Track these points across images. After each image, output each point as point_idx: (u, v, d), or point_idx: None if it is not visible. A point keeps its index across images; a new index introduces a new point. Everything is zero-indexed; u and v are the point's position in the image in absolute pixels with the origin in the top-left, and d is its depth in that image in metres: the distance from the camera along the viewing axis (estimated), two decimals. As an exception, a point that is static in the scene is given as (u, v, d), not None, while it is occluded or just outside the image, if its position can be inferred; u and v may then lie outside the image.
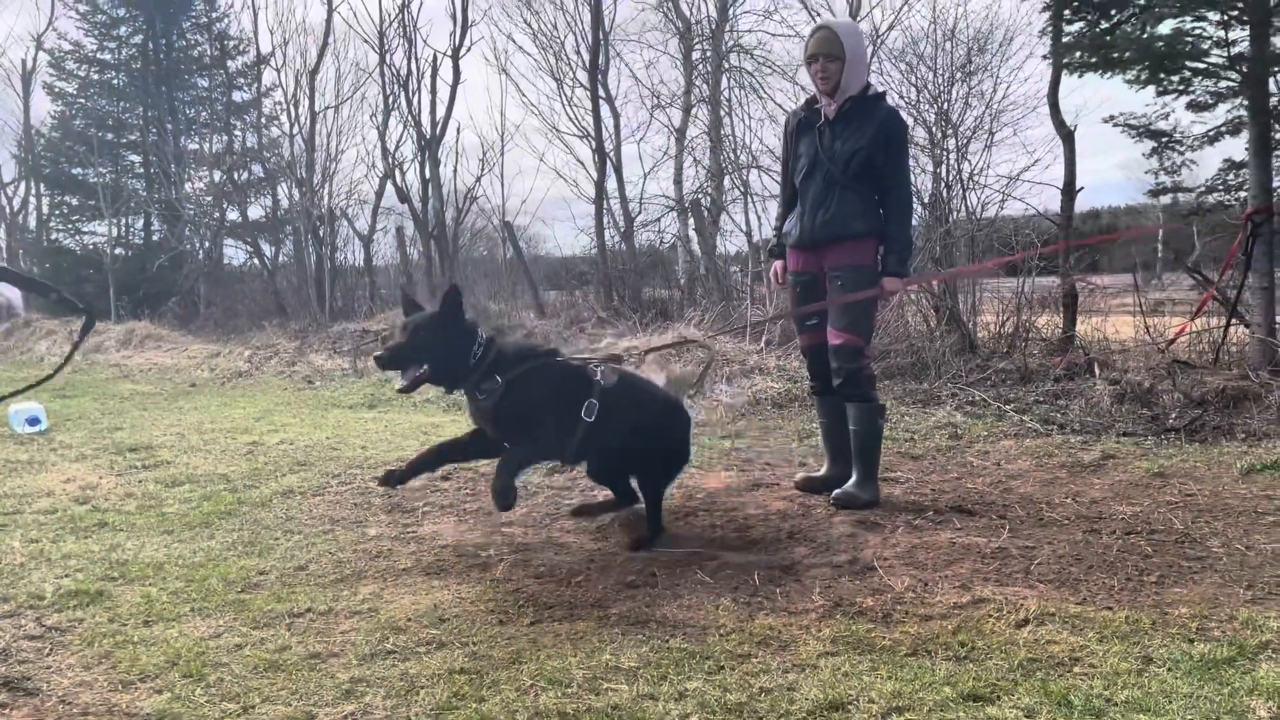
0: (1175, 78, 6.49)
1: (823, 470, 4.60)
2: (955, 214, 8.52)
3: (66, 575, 3.42)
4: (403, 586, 3.25)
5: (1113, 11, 6.76)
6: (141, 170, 20.81)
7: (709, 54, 12.24)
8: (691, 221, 12.08)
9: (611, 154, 12.47)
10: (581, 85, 12.97)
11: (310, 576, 3.39)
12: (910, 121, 8.43)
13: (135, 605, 3.11)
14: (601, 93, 12.53)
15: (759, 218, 11.68)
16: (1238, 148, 7.36)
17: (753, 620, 2.86)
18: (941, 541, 3.65)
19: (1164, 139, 7.40)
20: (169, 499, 4.62)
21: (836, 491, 4.23)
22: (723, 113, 12.00)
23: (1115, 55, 6.45)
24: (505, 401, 3.58)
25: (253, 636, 2.81)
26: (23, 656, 2.72)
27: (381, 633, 2.81)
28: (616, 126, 12.73)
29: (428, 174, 14.62)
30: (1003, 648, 2.61)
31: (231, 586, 3.28)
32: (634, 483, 4.02)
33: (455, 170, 17.01)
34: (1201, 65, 6.29)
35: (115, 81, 20.97)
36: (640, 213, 12.71)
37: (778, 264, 4.69)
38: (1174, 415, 6.02)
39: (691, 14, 12.55)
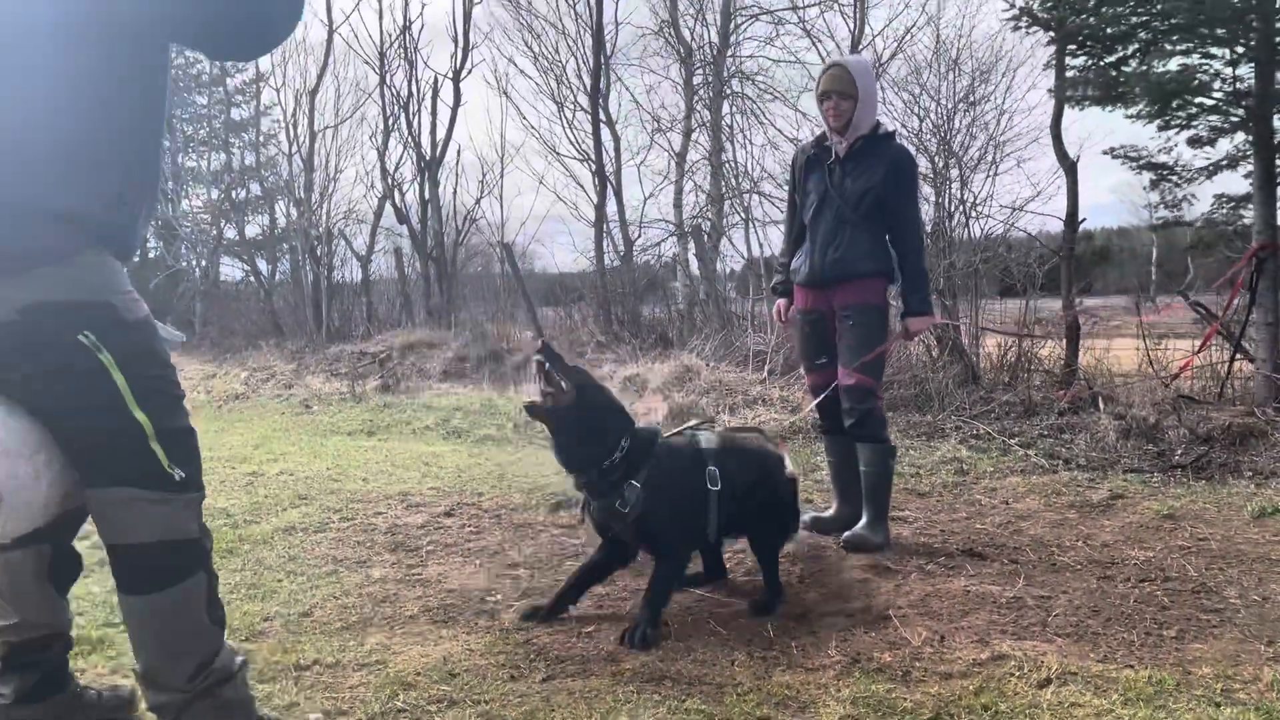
0: (1181, 114, 6.50)
1: (831, 510, 4.56)
2: (957, 245, 8.51)
3: (67, 620, 3.35)
4: (411, 636, 3.19)
5: (1117, 47, 6.78)
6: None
7: (710, 79, 12.27)
8: (692, 246, 12.07)
9: (612, 177, 12.48)
10: (582, 109, 13.01)
11: (316, 624, 3.32)
12: (913, 151, 8.44)
13: (137, 654, 3.04)
14: (602, 116, 12.56)
15: (760, 244, 11.70)
16: (1235, 181, 7.37)
17: (769, 678, 2.81)
18: (955, 589, 3.60)
19: (1164, 172, 7.40)
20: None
21: (847, 534, 4.19)
22: (724, 138, 12.01)
23: (1120, 91, 6.45)
24: (647, 509, 3.23)
25: (259, 691, 2.75)
26: (24, 713, 2.65)
27: (391, 689, 2.75)
28: (617, 149, 12.77)
29: (427, 195, 14.62)
30: (1027, 711, 2.56)
31: (236, 634, 3.21)
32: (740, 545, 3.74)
33: (455, 191, 16.97)
34: (1209, 102, 6.29)
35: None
36: (640, 236, 12.72)
37: (781, 302, 4.67)
38: (1180, 452, 5.99)
39: (693, 39, 12.59)
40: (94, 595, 3.63)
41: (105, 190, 2.09)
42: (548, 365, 3.27)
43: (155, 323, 2.23)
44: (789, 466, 3.73)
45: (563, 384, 3.25)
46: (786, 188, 5.25)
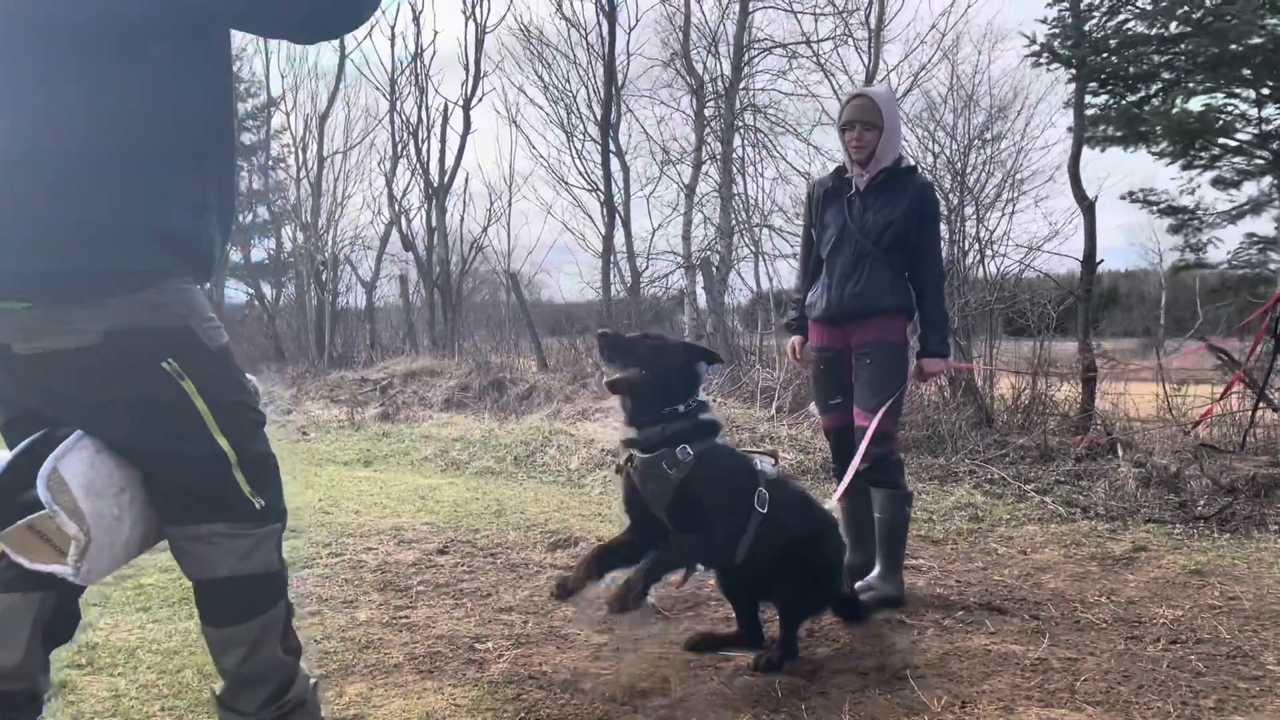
0: (1204, 154, 6.35)
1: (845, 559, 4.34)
2: (971, 284, 8.34)
3: (29, 660, 3.15)
4: (394, 687, 2.99)
5: (1139, 86, 6.65)
6: (146, 208, 20.65)
7: (722, 111, 12.18)
8: (700, 279, 11.92)
9: (620, 208, 12.36)
10: (592, 139, 12.91)
11: (293, 670, 3.11)
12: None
13: (101, 701, 2.85)
14: (612, 147, 12.46)
15: (770, 278, 11.54)
16: (1260, 226, 7.21)
17: (778, 744, 2.60)
18: (975, 648, 3.39)
19: (1185, 216, 7.25)
20: (149, 568, 4.35)
21: (860, 585, 3.97)
22: (734, 170, 11.90)
23: (1143, 130, 6.31)
24: (691, 480, 3.06)
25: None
26: (-32, 766, 2.45)
27: (368, 747, 2.54)
28: (626, 180, 12.67)
29: (434, 222, 14.52)
30: (1060, 792, 2.34)
31: (208, 679, 3.00)
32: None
33: (462, 218, 16.86)
34: (1233, 143, 6.14)
35: (124, 119, 20.90)
36: (647, 268, 12.58)
37: (795, 339, 4.47)
38: (1203, 502, 5.78)
39: (705, 71, 12.52)
40: (61, 633, 3.42)
41: (186, 197, 2.01)
42: (608, 352, 3.18)
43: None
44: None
45: (631, 365, 3.14)
46: (798, 222, 5.09)
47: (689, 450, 3.05)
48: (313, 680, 2.27)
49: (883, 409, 3.95)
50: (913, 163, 4.30)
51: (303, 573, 4.32)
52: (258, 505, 2.08)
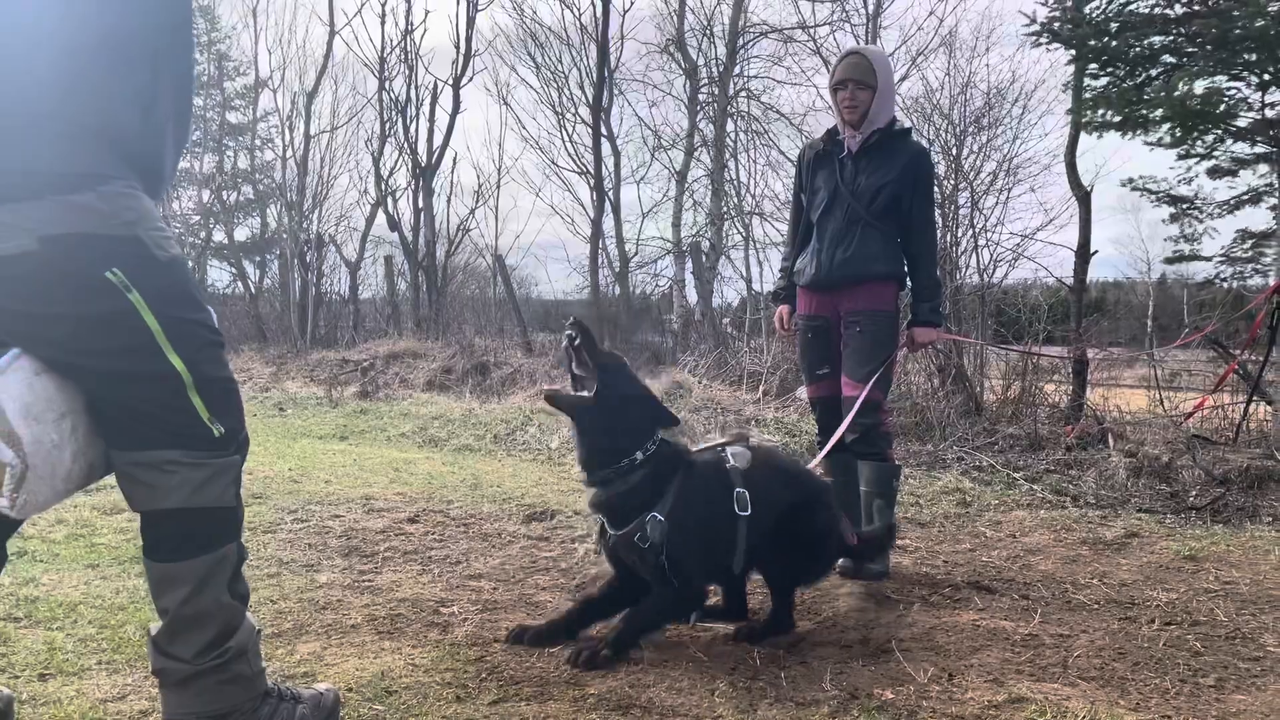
0: (1204, 140, 6.22)
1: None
2: (965, 270, 8.20)
3: (-37, 612, 2.97)
4: (349, 646, 2.81)
5: (1139, 69, 6.51)
6: (130, 186, 20.35)
7: (715, 96, 12.01)
8: (689, 265, 11.76)
9: (610, 193, 12.19)
10: (584, 121, 12.74)
11: (244, 628, 2.94)
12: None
13: (35, 654, 2.67)
14: (604, 130, 12.28)
15: (760, 265, 11.39)
16: (1257, 218, 7.09)
17: (755, 711, 2.44)
18: (963, 623, 3.23)
19: (1185, 205, 7.12)
20: (103, 528, 4.17)
21: (843, 560, 3.82)
22: (727, 155, 11.74)
23: (1142, 114, 6.18)
24: (669, 542, 2.83)
25: (152, 697, 2.37)
26: (-119, 714, 2.27)
27: (315, 705, 2.37)
28: (616, 165, 12.50)
29: (420, 203, 14.32)
30: (1054, 764, 2.19)
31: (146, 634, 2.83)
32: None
33: (449, 201, 16.66)
34: (1234, 128, 6.02)
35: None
36: (636, 254, 12.41)
37: (783, 308, 4.30)
38: (1195, 493, 5.65)
39: (699, 56, 12.36)
40: (1, 586, 3.25)
41: (132, 93, 1.83)
42: (579, 342, 2.90)
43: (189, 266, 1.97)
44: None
45: (591, 366, 2.89)
46: (790, 193, 4.90)
47: (660, 518, 2.83)
48: (258, 630, 2.11)
49: (873, 379, 3.81)
50: (908, 125, 4.13)
51: (264, 537, 4.14)
52: (216, 432, 1.93)
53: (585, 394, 2.89)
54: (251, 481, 5.39)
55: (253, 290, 16.55)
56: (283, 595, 3.30)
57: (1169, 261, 7.38)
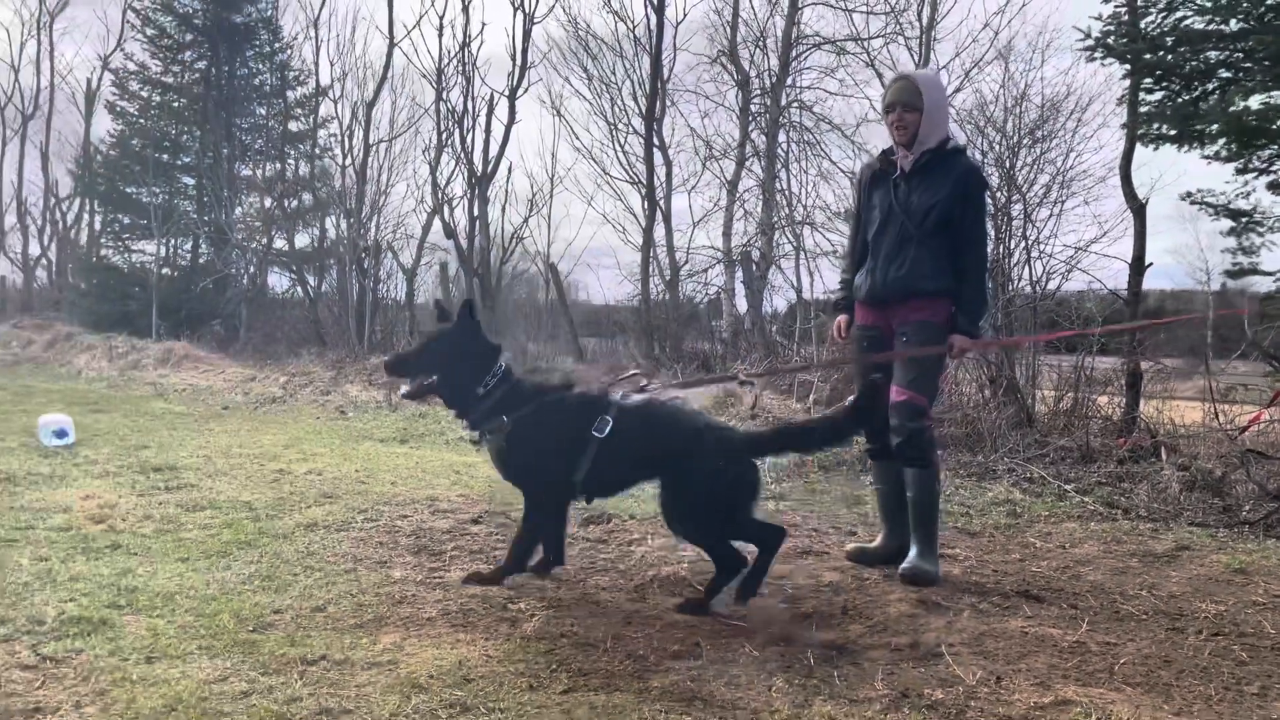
0: (1260, 154, 6.22)
1: (877, 541, 4.31)
2: (1018, 282, 8.23)
3: (71, 599, 3.21)
4: (426, 638, 3.00)
5: (1194, 84, 6.53)
6: (194, 192, 20.99)
7: (767, 107, 12.13)
8: (740, 273, 11.88)
9: (661, 202, 12.36)
10: (636, 132, 12.92)
11: (328, 619, 3.15)
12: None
13: (139, 638, 2.89)
14: (655, 141, 12.45)
15: (811, 274, 11.46)
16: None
17: (809, 706, 2.58)
18: (1012, 630, 3.34)
19: (1244, 219, 7.09)
20: (188, 524, 4.42)
21: (904, 566, 3.93)
22: (778, 165, 11.85)
23: (1198, 128, 6.19)
24: (511, 443, 3.50)
25: (261, 683, 2.57)
26: (11, 688, 2.50)
27: (401, 690, 2.56)
28: (668, 175, 12.66)
29: (476, 211, 14.60)
30: (1097, 762, 2.30)
31: (244, 624, 3.04)
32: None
33: (504, 209, 16.93)
34: (1292, 143, 6.02)
35: (176, 104, 21.25)
36: (687, 262, 12.56)
37: (842, 318, 4.46)
38: (1248, 507, 5.66)
39: (751, 67, 12.48)
40: (102, 576, 3.49)
41: None
42: (395, 375, 3.71)
43: None
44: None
45: (417, 375, 3.57)
46: (844, 213, 5.04)
47: (504, 418, 3.47)
48: None
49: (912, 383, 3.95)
50: (961, 143, 4.24)
51: (338, 535, 4.36)
52: None
53: (418, 381, 3.56)
54: (322, 481, 5.63)
55: (311, 295, 16.95)
56: (360, 589, 3.50)
57: (1229, 275, 7.36)
